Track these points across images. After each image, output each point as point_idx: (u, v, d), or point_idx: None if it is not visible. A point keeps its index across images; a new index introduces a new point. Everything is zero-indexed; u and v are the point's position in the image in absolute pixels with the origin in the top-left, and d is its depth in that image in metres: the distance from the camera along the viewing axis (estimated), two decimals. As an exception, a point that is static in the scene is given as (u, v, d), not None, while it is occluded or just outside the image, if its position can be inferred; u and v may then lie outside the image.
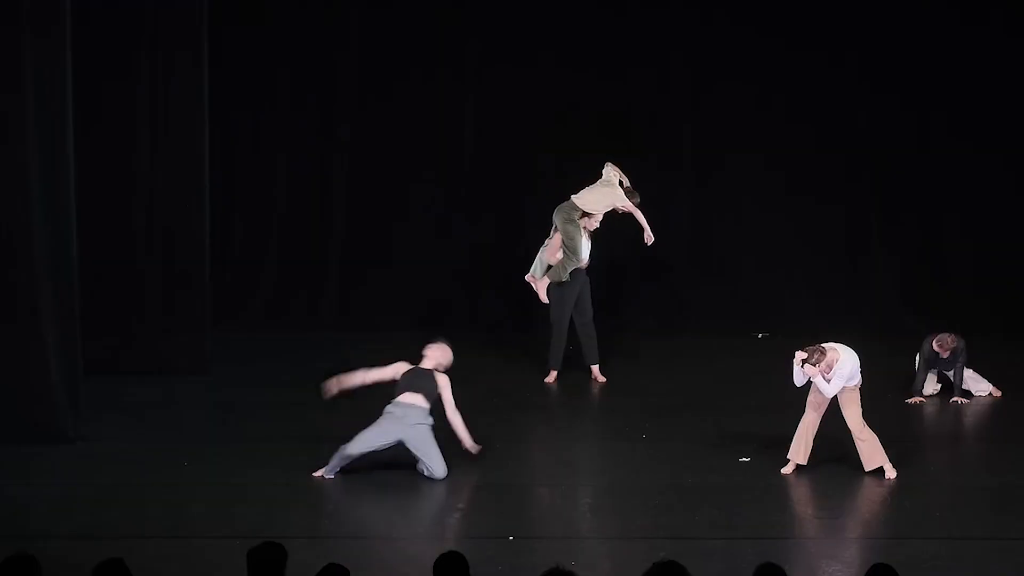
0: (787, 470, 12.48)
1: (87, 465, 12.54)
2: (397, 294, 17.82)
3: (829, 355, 12.05)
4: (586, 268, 15.26)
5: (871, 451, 12.37)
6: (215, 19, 15.40)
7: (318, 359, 16.42)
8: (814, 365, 12.02)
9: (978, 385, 14.92)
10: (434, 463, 12.18)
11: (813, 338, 12.49)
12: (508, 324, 17.55)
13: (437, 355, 12.59)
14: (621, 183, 15.22)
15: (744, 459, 12.80)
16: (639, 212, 15.09)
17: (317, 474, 12.24)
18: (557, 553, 10.24)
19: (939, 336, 14.55)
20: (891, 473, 12.37)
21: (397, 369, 12.52)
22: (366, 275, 17.87)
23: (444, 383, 12.41)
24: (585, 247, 15.18)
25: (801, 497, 12.13)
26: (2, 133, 12.68)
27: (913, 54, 17.52)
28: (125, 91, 15.05)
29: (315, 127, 17.90)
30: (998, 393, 14.94)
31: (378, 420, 12.30)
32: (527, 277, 15.43)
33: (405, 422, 12.20)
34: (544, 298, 15.21)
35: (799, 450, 12.44)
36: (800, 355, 12.09)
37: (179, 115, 15.15)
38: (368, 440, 12.23)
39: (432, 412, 12.31)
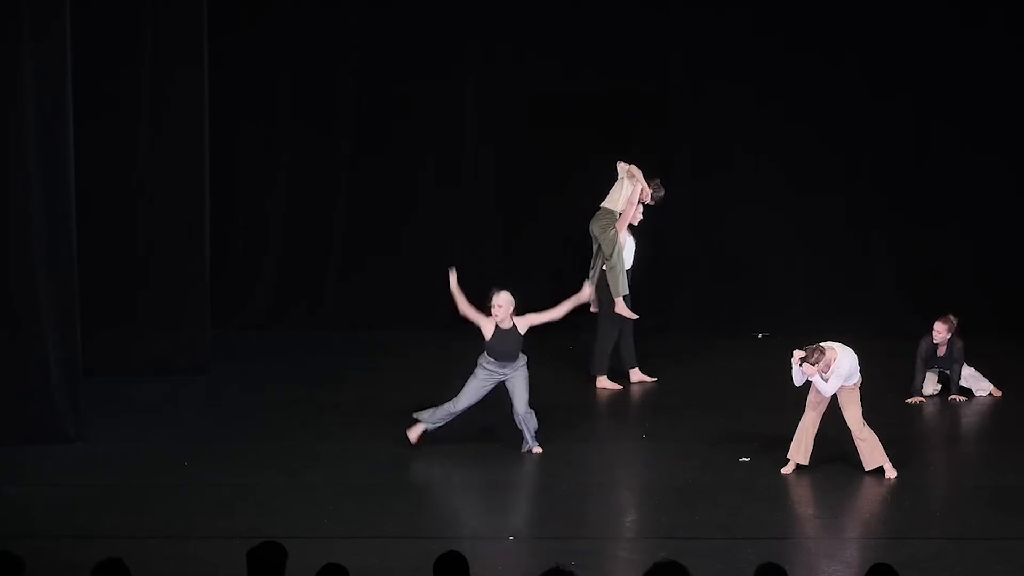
0: (787, 470, 12.48)
1: (87, 465, 12.55)
2: (397, 294, 17.81)
3: (827, 354, 12.05)
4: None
5: (871, 451, 12.37)
6: (215, 20, 15.40)
7: (318, 358, 16.46)
8: (812, 364, 12.02)
9: (979, 384, 14.91)
10: (519, 400, 12.80)
11: (813, 338, 12.49)
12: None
13: (506, 305, 12.84)
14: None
15: (744, 459, 12.81)
16: (639, 190, 15.15)
17: (414, 433, 12.88)
18: (557, 553, 10.23)
19: (936, 323, 14.56)
20: (891, 473, 12.37)
21: (486, 328, 12.87)
22: (366, 275, 17.87)
23: (525, 323, 12.90)
24: (630, 247, 15.22)
25: (801, 497, 12.14)
26: (2, 132, 12.68)
27: (913, 54, 17.51)
28: (125, 91, 15.05)
29: (315, 127, 17.89)
30: (998, 393, 14.93)
31: (476, 374, 12.87)
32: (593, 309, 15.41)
33: (504, 371, 12.85)
34: (632, 314, 15.15)
35: (799, 450, 12.44)
36: (798, 354, 12.09)
37: (179, 114, 15.15)
38: (472, 394, 12.84)
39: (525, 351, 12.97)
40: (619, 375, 15.37)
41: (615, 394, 15.11)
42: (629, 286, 15.23)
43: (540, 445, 12.96)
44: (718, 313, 17.71)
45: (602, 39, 17.61)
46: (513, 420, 12.96)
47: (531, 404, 12.88)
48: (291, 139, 17.91)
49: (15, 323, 12.78)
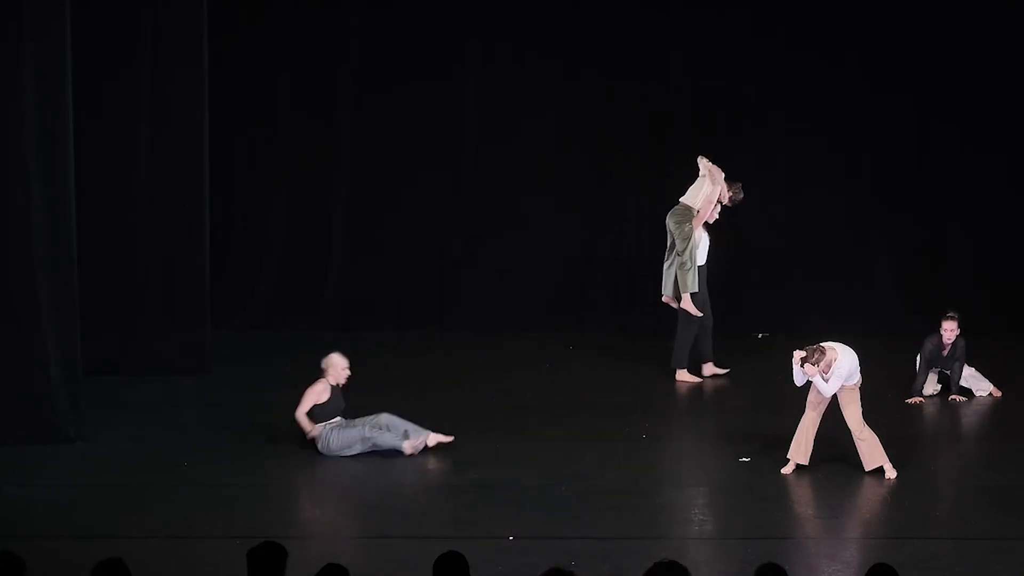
0: (787, 470, 12.48)
1: (87, 465, 12.55)
2: (397, 294, 17.81)
3: (828, 355, 12.05)
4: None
5: (871, 451, 12.37)
6: (215, 20, 15.40)
7: (318, 358, 16.43)
8: (813, 365, 12.02)
9: (979, 384, 14.91)
10: (393, 441, 12.80)
11: (813, 338, 12.49)
12: (507, 324, 17.54)
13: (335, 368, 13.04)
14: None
15: (744, 459, 12.80)
16: (719, 190, 15.36)
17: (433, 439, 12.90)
18: (557, 553, 10.24)
19: (945, 322, 14.54)
20: (891, 473, 12.37)
21: (319, 394, 12.96)
22: (366, 275, 17.86)
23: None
24: (704, 245, 15.32)
25: (801, 497, 12.14)
26: (2, 133, 12.69)
27: (913, 53, 17.51)
28: (125, 91, 15.04)
29: (315, 127, 17.89)
30: (998, 393, 14.93)
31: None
32: (664, 299, 15.44)
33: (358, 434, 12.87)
34: (697, 311, 15.22)
35: (799, 450, 12.44)
36: (799, 354, 12.09)
37: (179, 114, 15.14)
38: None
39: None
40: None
41: (616, 394, 15.10)
42: (707, 283, 15.35)
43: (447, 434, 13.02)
44: (718, 313, 17.68)
45: (602, 39, 17.60)
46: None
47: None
48: (291, 139, 17.90)
49: (15, 323, 12.79)
